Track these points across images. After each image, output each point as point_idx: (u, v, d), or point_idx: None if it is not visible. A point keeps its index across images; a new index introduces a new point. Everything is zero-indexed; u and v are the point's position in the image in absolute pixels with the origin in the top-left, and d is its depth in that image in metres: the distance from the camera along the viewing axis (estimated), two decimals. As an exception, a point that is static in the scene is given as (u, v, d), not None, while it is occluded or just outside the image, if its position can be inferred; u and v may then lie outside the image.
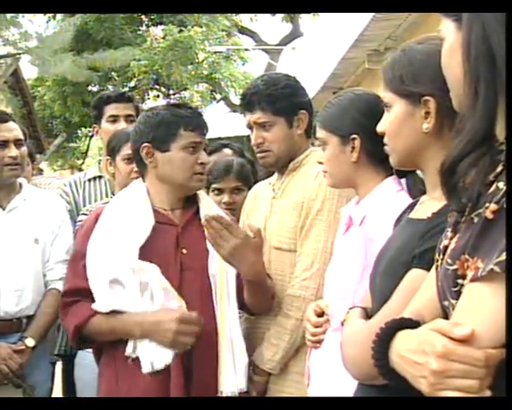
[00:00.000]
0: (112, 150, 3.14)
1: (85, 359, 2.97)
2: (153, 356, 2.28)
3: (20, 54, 11.81)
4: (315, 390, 2.22)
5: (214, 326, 2.35)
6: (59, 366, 3.30)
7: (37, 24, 13.36)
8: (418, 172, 2.05)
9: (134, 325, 2.29)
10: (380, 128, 1.71)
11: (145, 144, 2.43)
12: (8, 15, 10.49)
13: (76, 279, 2.44)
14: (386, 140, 1.70)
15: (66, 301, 2.44)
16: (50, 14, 17.41)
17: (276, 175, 2.71)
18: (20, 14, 11.82)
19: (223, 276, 2.41)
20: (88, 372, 2.95)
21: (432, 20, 6.95)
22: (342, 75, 9.42)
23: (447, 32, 1.28)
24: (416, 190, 2.03)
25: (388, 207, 2.05)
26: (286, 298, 2.48)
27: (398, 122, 1.64)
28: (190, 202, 2.52)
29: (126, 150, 3.04)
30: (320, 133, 2.22)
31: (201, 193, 2.57)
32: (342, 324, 1.71)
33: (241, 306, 2.50)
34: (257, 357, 2.53)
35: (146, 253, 2.33)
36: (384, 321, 1.32)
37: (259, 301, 2.48)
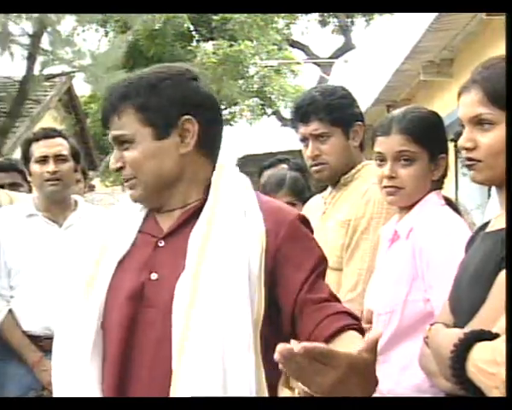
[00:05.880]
0: None
1: None
2: None
3: (74, 72, 12.02)
4: None
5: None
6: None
7: (90, 42, 13.63)
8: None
9: None
10: (471, 144, 1.64)
11: None
12: (63, 34, 10.69)
13: None
14: (477, 155, 1.64)
15: None
16: (102, 32, 17.70)
17: (329, 189, 2.65)
18: (75, 33, 12.04)
19: None
20: None
21: (489, 31, 6.78)
22: (396, 88, 9.25)
23: None
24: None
25: (436, 218, 2.08)
26: None
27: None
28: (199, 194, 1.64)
29: None
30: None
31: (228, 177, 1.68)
32: (425, 340, 1.70)
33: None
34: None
35: (115, 279, 1.60)
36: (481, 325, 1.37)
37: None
